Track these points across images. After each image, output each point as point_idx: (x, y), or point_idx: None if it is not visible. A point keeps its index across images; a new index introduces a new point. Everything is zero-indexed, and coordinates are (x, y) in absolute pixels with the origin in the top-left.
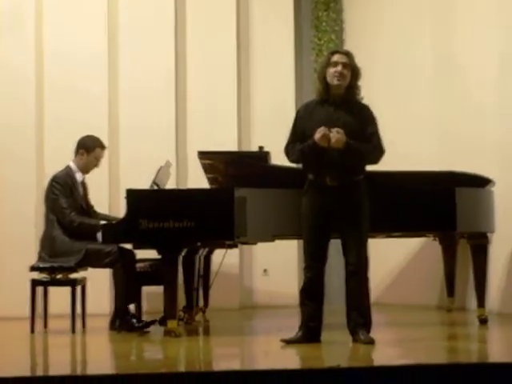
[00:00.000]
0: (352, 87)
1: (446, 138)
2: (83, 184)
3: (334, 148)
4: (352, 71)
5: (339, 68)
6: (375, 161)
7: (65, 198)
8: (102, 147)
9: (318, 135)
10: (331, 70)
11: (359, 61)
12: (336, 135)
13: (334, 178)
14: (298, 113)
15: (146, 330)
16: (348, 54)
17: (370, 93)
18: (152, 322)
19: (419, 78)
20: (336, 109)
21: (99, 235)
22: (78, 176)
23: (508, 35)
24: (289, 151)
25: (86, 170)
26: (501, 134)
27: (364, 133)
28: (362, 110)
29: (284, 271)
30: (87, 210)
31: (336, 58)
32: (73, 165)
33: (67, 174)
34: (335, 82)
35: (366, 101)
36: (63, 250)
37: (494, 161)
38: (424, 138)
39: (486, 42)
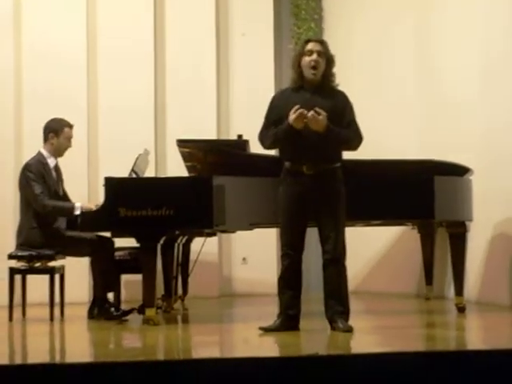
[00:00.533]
0: (327, 75)
1: (426, 126)
2: (56, 169)
3: (311, 132)
4: (327, 60)
5: (314, 56)
6: (354, 147)
7: (38, 185)
8: (70, 126)
9: (292, 116)
10: (306, 59)
11: (337, 49)
12: (316, 117)
13: (310, 167)
14: (272, 100)
15: (124, 318)
16: (322, 42)
17: (347, 81)
18: (130, 311)
19: (398, 65)
20: (312, 95)
21: (77, 205)
22: (51, 161)
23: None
24: (263, 137)
25: (59, 152)
26: (479, 122)
27: (342, 119)
28: (338, 95)
29: (263, 259)
30: (62, 195)
31: (310, 46)
32: (44, 151)
33: (39, 160)
34: (310, 75)
35: (343, 88)
36: (40, 241)
37: (472, 149)
38: (403, 126)
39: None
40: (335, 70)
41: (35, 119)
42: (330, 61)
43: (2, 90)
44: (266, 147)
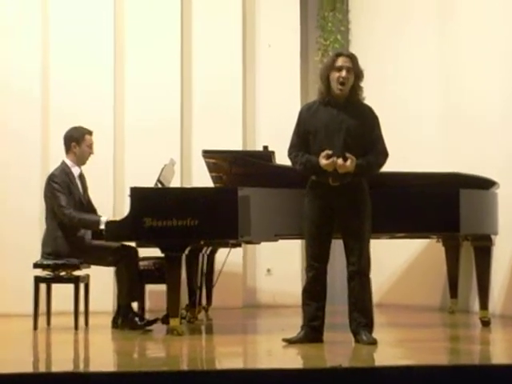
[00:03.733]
0: (355, 89)
1: (451, 140)
2: (81, 177)
3: (336, 144)
4: (355, 74)
5: (343, 73)
6: (381, 168)
7: (63, 196)
8: (90, 133)
9: (324, 162)
10: (335, 75)
11: (365, 61)
12: (344, 164)
13: (336, 179)
14: (300, 114)
15: (148, 328)
16: (352, 57)
17: (376, 94)
18: (154, 321)
19: (425, 79)
20: (339, 111)
21: (103, 219)
22: (75, 170)
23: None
24: (292, 159)
25: (82, 161)
26: (505, 135)
27: (368, 136)
28: (365, 111)
29: (287, 271)
30: (87, 204)
31: (340, 62)
32: (67, 160)
33: (63, 170)
34: (338, 91)
35: (373, 102)
36: (65, 250)
37: (499, 162)
38: (431, 140)
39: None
40: (364, 83)
41: (61, 130)
42: (358, 75)
43: (29, 101)
44: (297, 171)
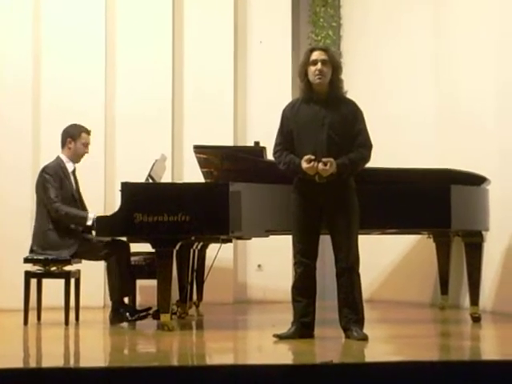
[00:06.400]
0: (334, 82)
1: (445, 134)
2: (74, 174)
3: (322, 140)
4: (333, 67)
5: (319, 66)
6: (366, 161)
7: (53, 188)
8: (87, 132)
9: (305, 166)
10: (312, 69)
11: (357, 57)
12: (324, 168)
13: (322, 176)
14: (283, 113)
15: (141, 315)
16: (327, 50)
17: (367, 90)
18: (145, 316)
19: (419, 75)
20: (321, 107)
21: (90, 215)
22: (69, 166)
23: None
24: (277, 158)
25: (76, 158)
26: (500, 131)
27: (352, 130)
28: (348, 106)
29: (278, 267)
30: (79, 200)
31: (315, 55)
32: (62, 156)
33: (58, 164)
34: (316, 80)
35: (364, 99)
36: (55, 242)
37: (493, 159)
38: (424, 138)
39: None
40: (355, 79)
41: (53, 125)
42: (336, 68)
43: (20, 97)
44: (280, 169)
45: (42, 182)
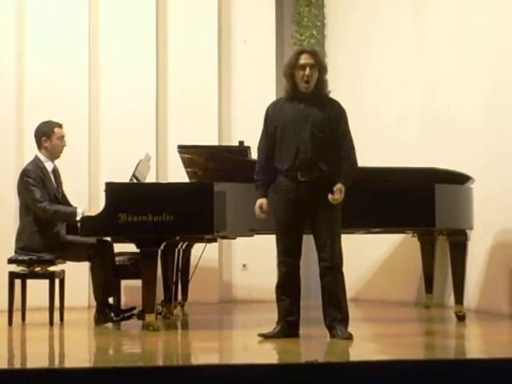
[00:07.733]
0: (319, 82)
1: (429, 133)
2: (55, 172)
3: (304, 139)
4: (319, 69)
5: (307, 71)
6: (357, 163)
7: (37, 190)
8: (59, 126)
9: (257, 212)
10: (300, 73)
11: (340, 57)
12: (335, 198)
13: (304, 174)
14: (267, 112)
15: (126, 315)
16: (314, 53)
17: (351, 90)
18: (130, 316)
19: (404, 75)
20: (306, 105)
21: (79, 210)
22: (48, 165)
23: None
24: (256, 164)
25: (55, 155)
26: (484, 129)
27: (335, 129)
28: (332, 105)
29: (263, 266)
30: (62, 198)
31: (303, 60)
32: (41, 155)
33: (36, 165)
34: (304, 85)
35: (349, 99)
36: (40, 246)
37: (478, 158)
38: (408, 133)
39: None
40: (339, 78)
41: (36, 123)
42: (322, 70)
43: (4, 98)
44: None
45: (24, 185)
